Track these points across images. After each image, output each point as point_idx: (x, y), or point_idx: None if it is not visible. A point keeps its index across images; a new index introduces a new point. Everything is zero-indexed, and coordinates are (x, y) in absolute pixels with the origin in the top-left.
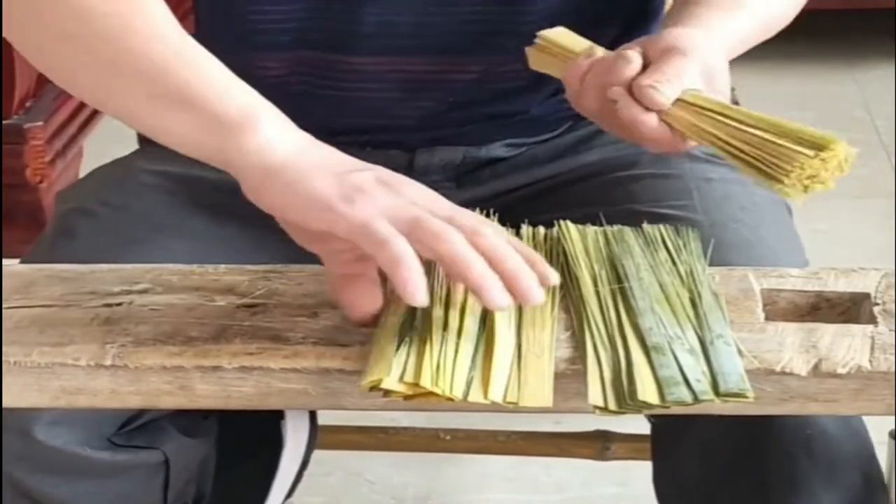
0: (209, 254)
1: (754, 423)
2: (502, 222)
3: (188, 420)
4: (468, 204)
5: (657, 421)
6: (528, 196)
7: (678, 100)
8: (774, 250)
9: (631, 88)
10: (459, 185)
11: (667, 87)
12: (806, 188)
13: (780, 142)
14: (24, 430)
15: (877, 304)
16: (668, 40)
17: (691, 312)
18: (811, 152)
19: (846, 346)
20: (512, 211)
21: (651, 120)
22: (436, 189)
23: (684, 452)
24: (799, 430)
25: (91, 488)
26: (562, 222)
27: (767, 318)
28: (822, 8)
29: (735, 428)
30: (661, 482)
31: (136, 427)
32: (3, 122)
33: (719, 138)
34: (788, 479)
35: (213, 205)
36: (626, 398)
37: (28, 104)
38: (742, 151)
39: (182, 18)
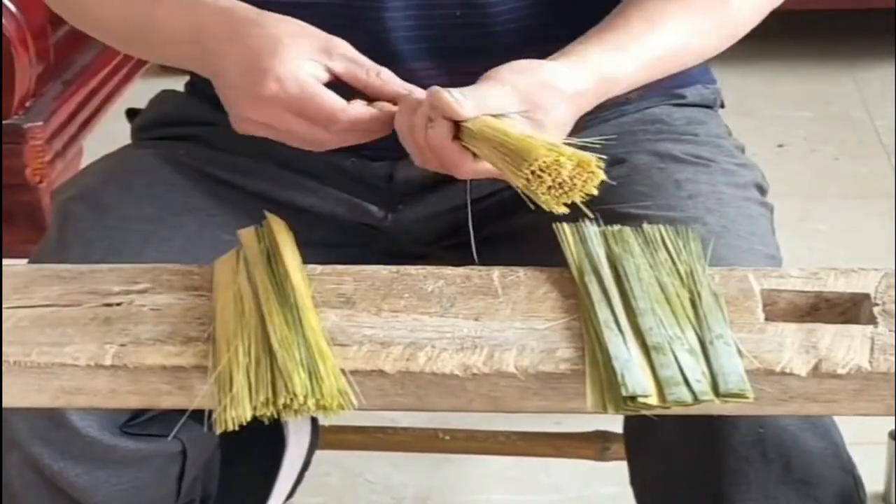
0: (218, 229)
1: (709, 425)
2: (484, 227)
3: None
4: (450, 212)
5: (627, 424)
6: (507, 199)
7: (474, 121)
8: (734, 248)
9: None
10: (440, 194)
11: (459, 95)
12: (558, 199)
13: (514, 164)
14: (58, 415)
15: (876, 305)
16: (495, 71)
17: (691, 313)
18: (525, 172)
19: (846, 346)
20: (493, 215)
21: (442, 128)
22: (416, 199)
23: (649, 455)
24: (751, 430)
25: (110, 477)
26: (557, 224)
27: (767, 319)
28: (821, 8)
29: (692, 430)
30: (635, 483)
31: (149, 417)
32: (3, 121)
33: (493, 162)
34: (742, 480)
35: (217, 183)
36: (625, 398)
37: (28, 104)
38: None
39: None
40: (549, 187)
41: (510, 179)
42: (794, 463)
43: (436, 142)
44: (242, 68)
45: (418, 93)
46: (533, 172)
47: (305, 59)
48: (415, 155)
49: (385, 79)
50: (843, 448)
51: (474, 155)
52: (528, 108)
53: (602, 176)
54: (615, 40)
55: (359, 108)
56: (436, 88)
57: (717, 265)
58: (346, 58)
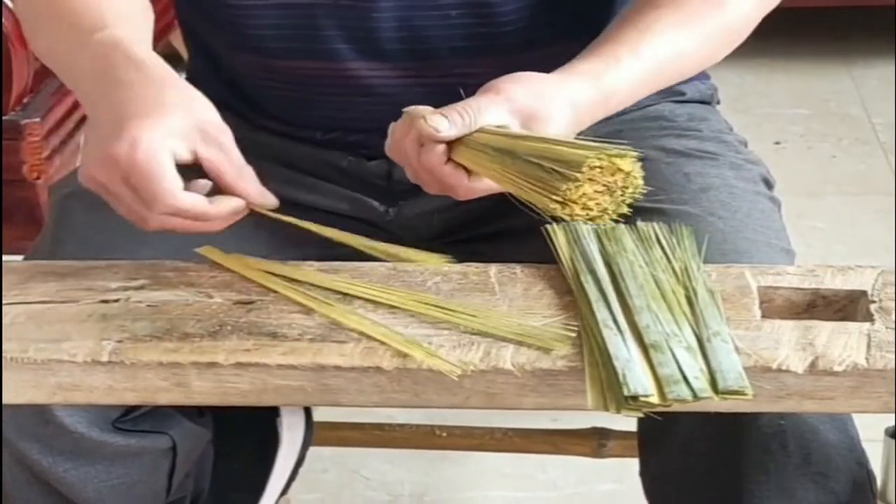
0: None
1: (730, 417)
2: (482, 225)
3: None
4: (451, 208)
5: (642, 420)
6: (505, 197)
7: (469, 136)
8: (753, 242)
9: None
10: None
11: (439, 120)
12: (583, 209)
13: (547, 167)
14: (45, 411)
15: (873, 302)
16: (495, 81)
17: (687, 310)
18: (572, 174)
19: (843, 343)
20: (491, 213)
21: (434, 152)
22: (416, 195)
23: (666, 450)
24: (772, 422)
25: (100, 472)
26: (547, 227)
27: (764, 316)
28: (818, 5)
29: (712, 423)
30: (647, 478)
31: (141, 413)
32: (1, 118)
33: (497, 172)
34: (762, 471)
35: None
36: (626, 398)
37: (25, 100)
38: (518, 182)
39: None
40: (583, 196)
41: (533, 200)
42: (814, 456)
43: (428, 166)
44: (111, 121)
45: (269, 198)
46: (566, 194)
47: (175, 133)
48: (413, 179)
49: (245, 177)
50: (859, 442)
51: (468, 172)
52: (526, 119)
53: (639, 173)
54: (611, 52)
55: (189, 197)
56: (419, 117)
57: (737, 260)
58: (220, 148)
